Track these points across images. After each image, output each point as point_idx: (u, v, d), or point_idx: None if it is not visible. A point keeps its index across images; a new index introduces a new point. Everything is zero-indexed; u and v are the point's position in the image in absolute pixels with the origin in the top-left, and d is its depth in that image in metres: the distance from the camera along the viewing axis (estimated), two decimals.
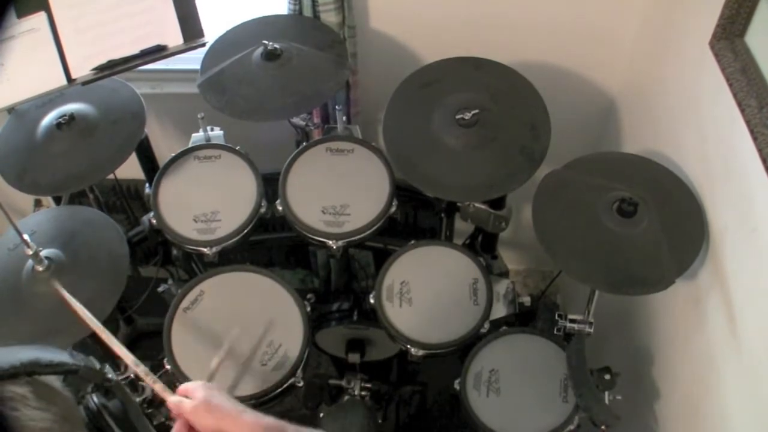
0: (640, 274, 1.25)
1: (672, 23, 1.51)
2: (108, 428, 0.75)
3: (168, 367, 1.36)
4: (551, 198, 1.36)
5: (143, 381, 1.06)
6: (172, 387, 1.08)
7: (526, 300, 1.61)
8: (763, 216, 1.08)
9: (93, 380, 0.76)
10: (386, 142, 1.48)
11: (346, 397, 1.69)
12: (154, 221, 1.52)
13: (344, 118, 1.68)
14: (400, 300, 1.48)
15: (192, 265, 1.79)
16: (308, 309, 1.46)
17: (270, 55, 1.52)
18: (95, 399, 0.76)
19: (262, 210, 1.54)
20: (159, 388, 1.00)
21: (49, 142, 1.47)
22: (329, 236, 1.49)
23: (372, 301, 1.49)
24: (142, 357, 1.51)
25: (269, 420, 0.87)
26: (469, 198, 1.57)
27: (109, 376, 0.80)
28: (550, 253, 1.30)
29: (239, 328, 1.33)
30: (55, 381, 0.63)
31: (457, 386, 1.43)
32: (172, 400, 0.99)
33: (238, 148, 1.61)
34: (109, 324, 1.21)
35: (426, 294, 1.49)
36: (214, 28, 1.56)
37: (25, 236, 1.25)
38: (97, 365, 0.75)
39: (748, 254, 1.14)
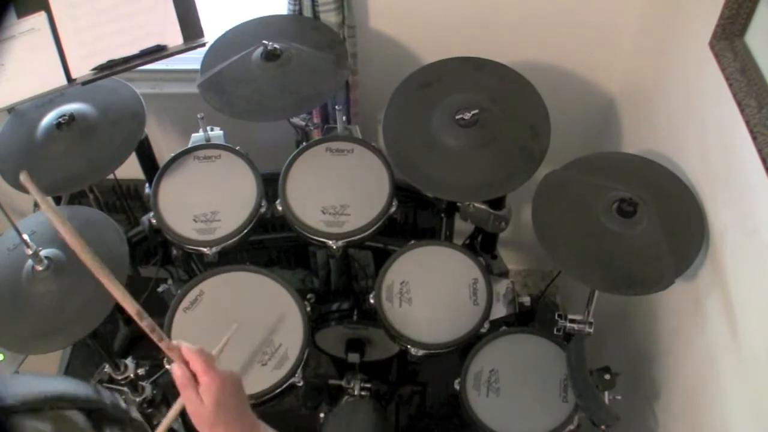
0: (640, 274, 1.25)
1: (672, 23, 1.51)
2: None
3: (168, 367, 1.36)
4: (551, 198, 1.36)
5: (147, 332, 0.85)
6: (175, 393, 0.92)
7: (526, 300, 1.61)
8: (763, 216, 1.08)
9: (118, 419, 0.73)
10: (386, 142, 1.48)
11: (349, 398, 1.69)
12: (154, 221, 1.52)
13: (344, 118, 1.68)
14: (400, 300, 1.48)
15: (192, 265, 1.79)
16: (308, 309, 1.46)
17: (270, 55, 1.52)
18: None
19: (262, 210, 1.54)
20: (165, 346, 0.83)
21: (48, 142, 1.47)
22: (329, 236, 1.49)
23: (372, 301, 1.49)
24: (142, 357, 1.51)
25: None
26: (469, 198, 1.57)
27: (134, 415, 0.78)
28: (550, 253, 1.30)
29: (237, 324, 1.28)
30: (77, 415, 0.60)
31: (457, 386, 1.44)
32: (177, 373, 0.80)
33: (238, 148, 1.61)
34: (109, 324, 1.21)
35: (426, 294, 1.49)
36: (214, 28, 1.56)
37: (25, 236, 1.25)
38: (123, 404, 0.73)
39: (748, 254, 1.14)
